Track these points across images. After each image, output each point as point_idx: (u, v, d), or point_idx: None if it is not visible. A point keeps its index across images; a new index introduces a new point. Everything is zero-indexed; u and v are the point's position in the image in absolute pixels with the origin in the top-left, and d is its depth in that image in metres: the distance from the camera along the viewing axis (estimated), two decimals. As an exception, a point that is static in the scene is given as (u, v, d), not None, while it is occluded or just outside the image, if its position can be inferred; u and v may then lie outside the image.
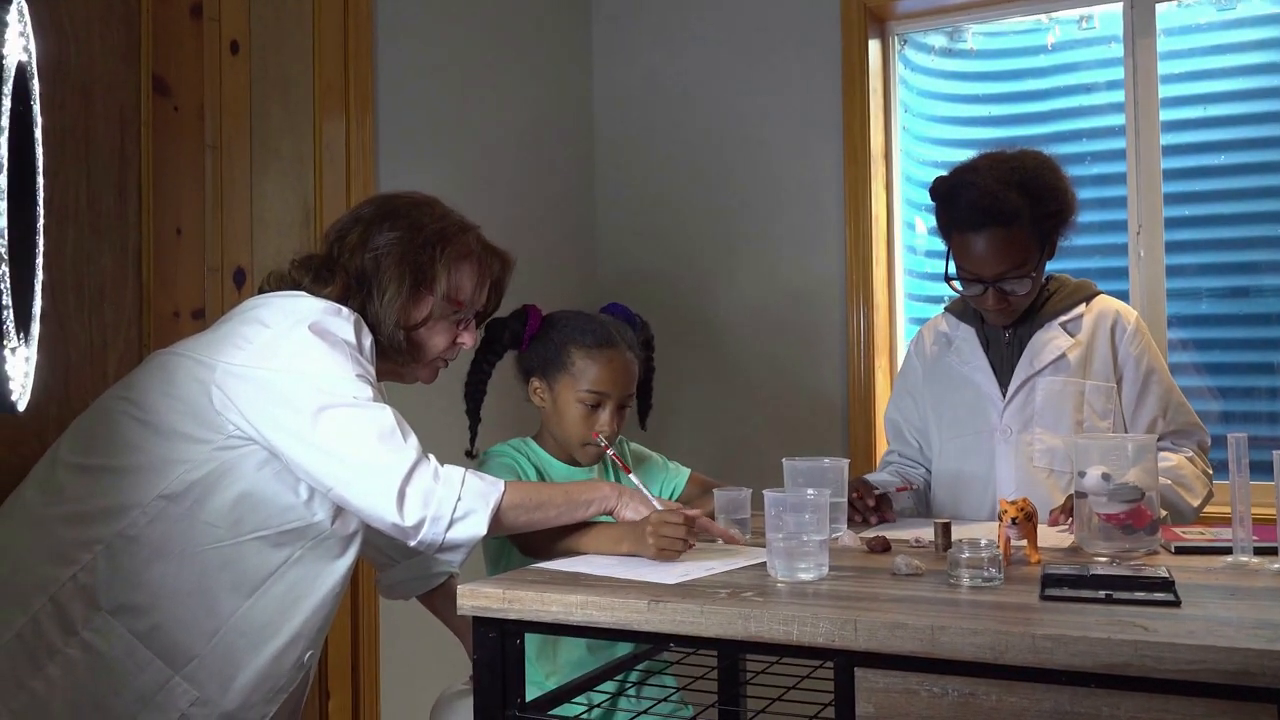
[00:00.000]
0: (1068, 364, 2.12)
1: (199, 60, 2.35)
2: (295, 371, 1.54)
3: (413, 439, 1.58)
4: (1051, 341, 2.14)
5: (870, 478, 2.17)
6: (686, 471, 2.15)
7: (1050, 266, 2.17)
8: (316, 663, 1.80)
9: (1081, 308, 2.17)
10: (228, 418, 1.55)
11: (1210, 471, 2.14)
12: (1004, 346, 2.20)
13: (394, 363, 1.77)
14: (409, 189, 1.86)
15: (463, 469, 1.60)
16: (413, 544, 1.58)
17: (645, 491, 1.77)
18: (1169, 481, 1.99)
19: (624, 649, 1.88)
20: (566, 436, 1.97)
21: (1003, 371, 2.18)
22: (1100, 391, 2.12)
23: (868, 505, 2.00)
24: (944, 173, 2.15)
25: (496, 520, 1.59)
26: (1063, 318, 2.16)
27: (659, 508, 1.71)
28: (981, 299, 2.10)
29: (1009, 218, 2.01)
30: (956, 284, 2.12)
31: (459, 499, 1.56)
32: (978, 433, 2.18)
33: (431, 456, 1.59)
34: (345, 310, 1.63)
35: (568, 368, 1.94)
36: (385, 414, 1.57)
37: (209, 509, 1.56)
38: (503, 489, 1.61)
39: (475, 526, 1.57)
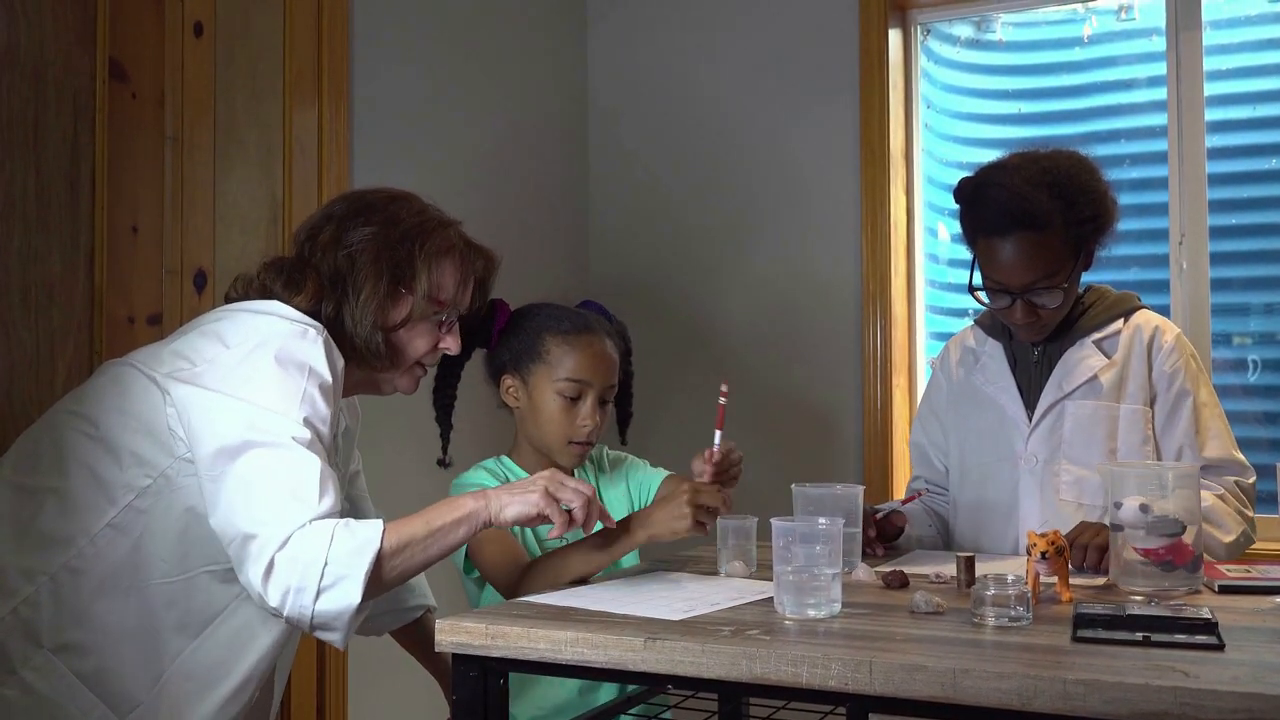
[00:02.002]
0: (1100, 387, 2.11)
1: (159, 43, 2.36)
2: (240, 398, 1.54)
3: (328, 500, 1.51)
4: (1083, 361, 2.13)
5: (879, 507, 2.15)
6: (663, 472, 2.14)
7: (1085, 278, 2.17)
8: (278, 708, 1.80)
9: (1119, 324, 2.16)
10: (179, 435, 1.56)
11: (1250, 512, 2.06)
12: (1032, 365, 2.19)
13: (371, 369, 1.79)
14: (385, 185, 1.87)
15: (334, 524, 1.49)
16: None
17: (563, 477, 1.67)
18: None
19: (617, 690, 1.88)
20: (545, 436, 1.97)
21: (1031, 393, 2.18)
22: (1137, 416, 2.11)
23: (868, 536, 2.00)
24: (970, 174, 2.15)
25: (376, 578, 1.49)
26: (1097, 335, 2.15)
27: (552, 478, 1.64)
28: (1008, 312, 2.10)
29: (1039, 222, 2.01)
30: (981, 294, 2.11)
31: (325, 563, 1.46)
32: (1000, 460, 2.18)
33: (340, 521, 1.51)
34: (312, 332, 1.63)
35: (543, 357, 1.96)
36: (312, 463, 1.52)
37: (158, 540, 1.57)
38: (379, 540, 1.49)
39: (347, 596, 1.47)
